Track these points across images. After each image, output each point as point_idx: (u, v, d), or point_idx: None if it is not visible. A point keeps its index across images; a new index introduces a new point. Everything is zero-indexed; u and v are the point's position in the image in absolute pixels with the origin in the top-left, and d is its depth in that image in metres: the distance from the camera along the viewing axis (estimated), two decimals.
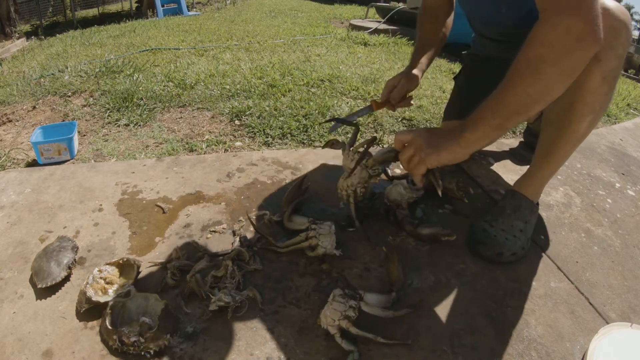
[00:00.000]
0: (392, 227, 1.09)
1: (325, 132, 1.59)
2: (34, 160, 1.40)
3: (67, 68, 2.32)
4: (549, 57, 0.75)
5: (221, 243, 1.02)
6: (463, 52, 1.50)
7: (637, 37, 11.32)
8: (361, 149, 1.02)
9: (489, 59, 1.32)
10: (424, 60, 1.24)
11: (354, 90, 2.04)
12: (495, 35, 1.24)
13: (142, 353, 0.74)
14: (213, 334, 0.79)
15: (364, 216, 1.09)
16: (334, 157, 1.42)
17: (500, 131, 0.84)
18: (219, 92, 1.98)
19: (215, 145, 1.52)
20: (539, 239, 1.10)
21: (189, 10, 6.43)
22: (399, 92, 1.18)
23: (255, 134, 1.60)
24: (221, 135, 1.60)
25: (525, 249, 1.02)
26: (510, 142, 1.64)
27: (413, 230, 1.04)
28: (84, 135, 1.61)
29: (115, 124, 1.69)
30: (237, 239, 1.01)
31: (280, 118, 1.69)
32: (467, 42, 1.50)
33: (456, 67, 2.71)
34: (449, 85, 2.16)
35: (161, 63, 2.46)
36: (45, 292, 0.87)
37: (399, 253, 0.96)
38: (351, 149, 1.06)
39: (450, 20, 1.31)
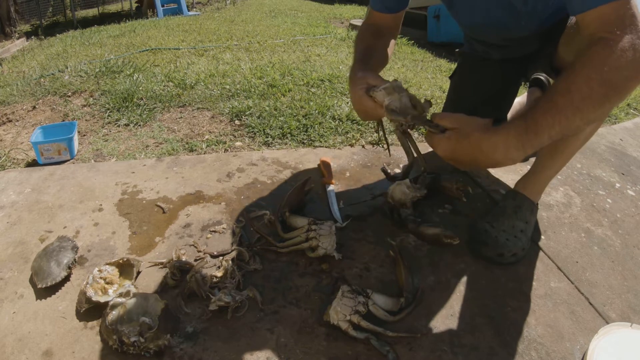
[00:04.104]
0: (392, 227, 1.09)
1: (325, 132, 1.59)
2: (34, 160, 1.40)
3: (67, 68, 2.32)
4: (627, 77, 0.71)
5: (221, 243, 1.02)
6: (457, 50, 1.49)
7: None
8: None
9: (485, 58, 1.31)
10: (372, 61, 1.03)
11: None
12: (500, 41, 1.22)
13: (142, 353, 0.74)
14: (213, 334, 0.79)
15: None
16: (334, 157, 1.42)
17: (543, 144, 0.77)
18: (219, 92, 1.98)
19: (215, 145, 1.52)
20: (539, 239, 1.10)
21: (189, 10, 6.42)
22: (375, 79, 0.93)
23: (255, 134, 1.60)
24: (221, 135, 1.60)
25: (525, 250, 1.02)
26: None
27: (416, 228, 1.04)
28: (84, 135, 1.61)
29: (115, 124, 1.69)
30: (237, 239, 1.01)
31: (280, 118, 1.68)
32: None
33: None
34: (449, 86, 2.16)
35: (161, 63, 2.46)
36: (45, 292, 0.87)
37: (405, 257, 0.96)
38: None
39: (393, 45, 1.13)
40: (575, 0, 0.78)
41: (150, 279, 0.91)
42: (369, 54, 1.05)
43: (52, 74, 2.25)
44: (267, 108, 1.78)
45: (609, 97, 0.73)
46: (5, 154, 1.44)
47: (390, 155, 0.88)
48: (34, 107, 1.84)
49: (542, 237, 1.12)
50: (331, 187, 1.21)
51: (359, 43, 1.10)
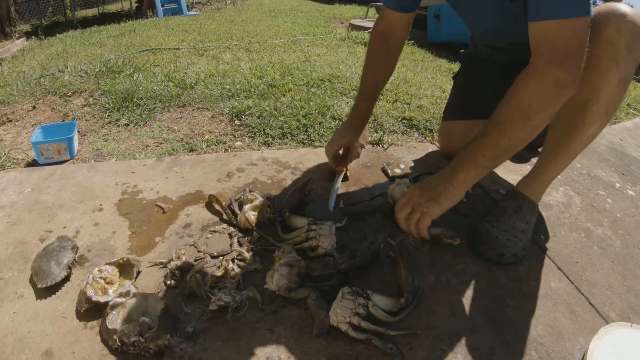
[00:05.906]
0: (392, 226, 1.09)
1: (325, 132, 1.59)
2: (34, 160, 1.40)
3: (67, 68, 2.32)
4: (538, 105, 0.81)
5: (221, 243, 1.02)
6: (461, 51, 1.49)
7: None
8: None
9: (488, 60, 1.32)
10: (366, 109, 1.27)
11: (354, 90, 2.03)
12: (505, 45, 1.23)
13: (142, 353, 0.74)
14: (213, 334, 0.79)
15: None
16: None
17: (490, 169, 0.92)
18: (219, 92, 1.98)
19: (215, 145, 1.52)
20: (539, 239, 1.10)
21: (189, 10, 6.42)
22: (353, 157, 1.28)
23: (255, 134, 1.60)
24: (221, 135, 1.60)
25: (525, 250, 1.02)
26: None
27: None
28: (84, 135, 1.61)
29: (115, 123, 1.69)
30: (237, 239, 1.01)
31: (280, 118, 1.69)
32: (466, 42, 1.50)
33: (456, 67, 2.71)
34: (449, 85, 2.16)
35: (161, 63, 2.46)
36: (45, 292, 0.87)
37: (405, 257, 0.95)
38: None
39: (400, 50, 1.25)
40: (533, 6, 0.80)
41: (150, 279, 0.91)
42: (375, 88, 1.26)
43: (52, 74, 2.25)
44: (267, 108, 1.78)
45: (529, 116, 0.82)
46: (5, 154, 1.44)
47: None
48: (34, 107, 1.84)
49: (542, 237, 1.12)
50: (341, 174, 1.27)
51: (367, 71, 1.24)
